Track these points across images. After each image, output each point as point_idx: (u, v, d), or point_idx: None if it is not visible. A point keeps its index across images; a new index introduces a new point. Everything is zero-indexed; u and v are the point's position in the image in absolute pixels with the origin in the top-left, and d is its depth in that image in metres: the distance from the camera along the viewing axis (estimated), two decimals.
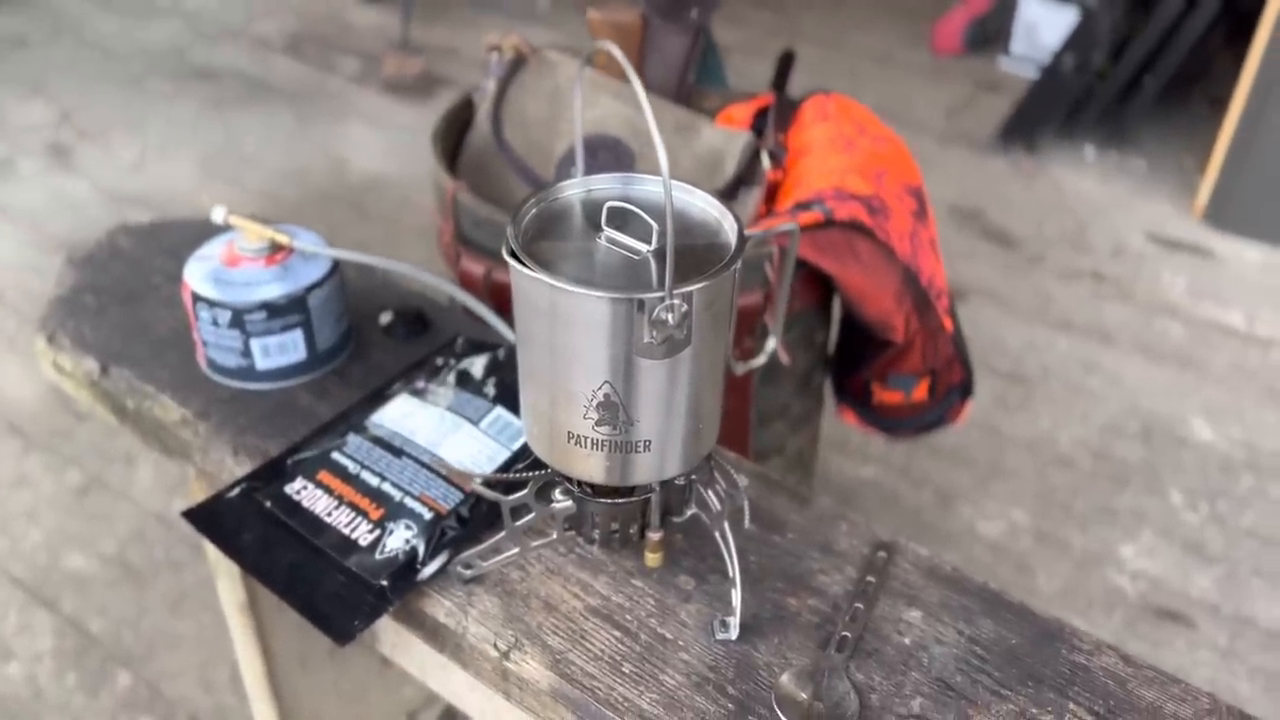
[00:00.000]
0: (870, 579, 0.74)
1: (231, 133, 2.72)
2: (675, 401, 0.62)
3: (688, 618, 0.71)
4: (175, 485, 1.72)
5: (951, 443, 1.67)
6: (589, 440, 0.63)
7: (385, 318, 0.96)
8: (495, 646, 0.69)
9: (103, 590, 1.53)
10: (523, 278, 0.60)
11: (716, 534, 0.72)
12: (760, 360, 0.73)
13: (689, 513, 0.73)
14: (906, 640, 0.70)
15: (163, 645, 1.46)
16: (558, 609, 0.71)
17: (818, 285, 1.03)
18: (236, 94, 2.89)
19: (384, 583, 0.71)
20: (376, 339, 0.95)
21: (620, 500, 0.69)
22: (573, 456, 0.64)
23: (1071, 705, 0.66)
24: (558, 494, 0.69)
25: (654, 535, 0.71)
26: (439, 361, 0.90)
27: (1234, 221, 2.30)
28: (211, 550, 0.93)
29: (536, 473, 0.68)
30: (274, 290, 0.85)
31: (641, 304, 0.57)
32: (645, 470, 0.65)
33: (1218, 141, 2.29)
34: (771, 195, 1.07)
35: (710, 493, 0.71)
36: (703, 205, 0.65)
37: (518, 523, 0.69)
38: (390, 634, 1.07)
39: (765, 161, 1.07)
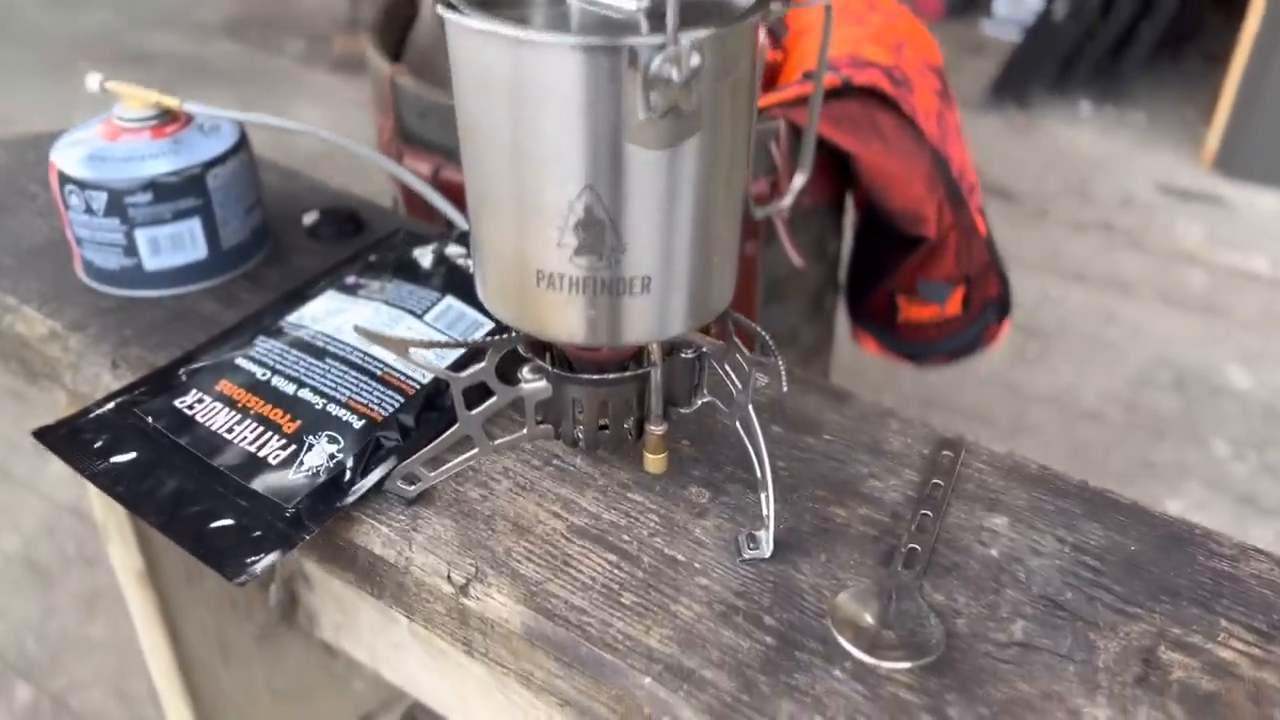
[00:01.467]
0: (937, 482, 0.57)
1: None
2: (680, 218, 0.45)
3: (704, 535, 0.54)
4: None
5: (968, 399, 1.51)
6: (566, 280, 0.46)
7: (310, 217, 0.78)
8: (449, 579, 0.51)
9: (3, 592, 1.33)
10: (469, 37, 0.43)
11: (737, 424, 0.55)
12: (786, 201, 0.56)
13: (699, 402, 0.56)
14: (993, 552, 0.53)
15: (71, 653, 1.26)
16: (531, 531, 0.53)
17: (832, 174, 0.86)
18: (174, 77, 2.70)
19: (298, 508, 0.54)
20: (299, 242, 0.77)
21: (611, 378, 0.52)
22: (545, 307, 0.47)
23: (1223, 622, 0.50)
24: (526, 372, 0.52)
25: (655, 429, 0.54)
26: (373, 258, 0.72)
27: (1246, 168, 2.16)
28: (98, 505, 0.75)
29: (496, 338, 0.50)
30: (162, 165, 0.68)
31: (635, 55, 0.40)
32: (642, 323, 0.48)
33: (1224, 89, 2.17)
34: (771, 79, 0.91)
35: (727, 369, 0.54)
36: None
37: (474, 410, 0.52)
38: (332, 612, 0.89)
39: (762, 38, 0.90)
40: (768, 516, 0.52)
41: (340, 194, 0.84)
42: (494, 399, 0.51)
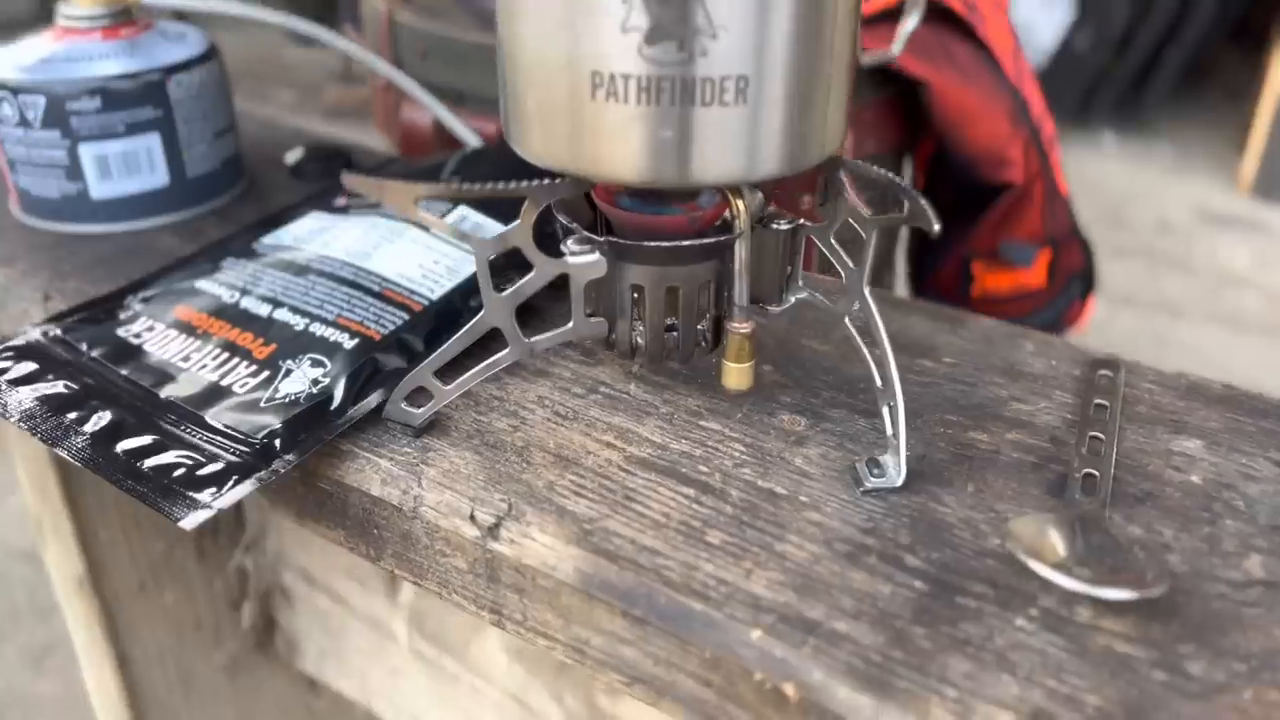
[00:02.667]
0: (1100, 402, 0.44)
1: None
2: None
3: (806, 465, 0.40)
4: None
5: None
6: (633, 84, 0.34)
7: (293, 155, 0.66)
8: (472, 519, 0.38)
9: None
10: None
11: (846, 320, 0.42)
12: (896, 48, 0.44)
13: (794, 299, 0.43)
14: (1194, 478, 0.40)
15: (17, 711, 1.09)
16: (578, 463, 0.40)
17: (897, 113, 0.75)
18: None
19: (269, 438, 0.40)
20: (280, 181, 0.65)
21: (686, 245, 0.39)
22: (601, 130, 0.35)
23: None
24: (572, 243, 0.39)
25: (740, 326, 0.41)
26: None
27: None
28: (31, 495, 0.61)
29: (537, 182, 0.37)
30: (112, 66, 0.56)
31: None
32: (730, 151, 0.35)
33: (1258, 116, 2.08)
34: None
35: (834, 244, 0.42)
36: None
37: (505, 291, 0.39)
38: (316, 635, 0.74)
39: None
40: (897, 435, 0.39)
41: (322, 137, 0.72)
42: (531, 275, 0.38)
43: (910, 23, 0.45)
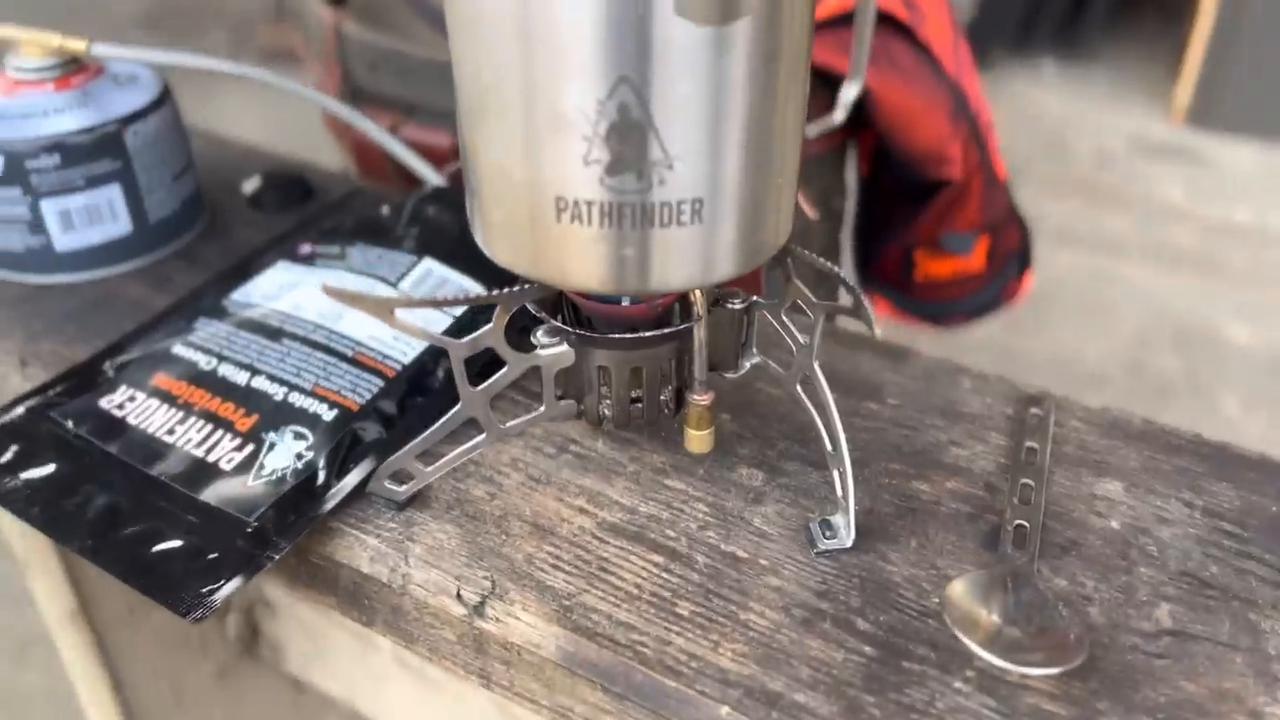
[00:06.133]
0: (1031, 445, 0.48)
1: None
2: (736, 122, 0.35)
3: (765, 525, 0.44)
4: None
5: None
6: (595, 209, 0.36)
7: (251, 184, 0.67)
8: (459, 598, 0.41)
9: None
10: None
11: (797, 387, 0.45)
12: (839, 117, 0.47)
13: (748, 364, 0.46)
14: (1114, 524, 0.44)
15: (3, 705, 1.12)
16: (554, 533, 0.43)
17: None
18: None
19: (261, 521, 0.43)
20: (240, 213, 0.66)
21: (648, 336, 0.42)
22: (566, 247, 0.37)
23: None
24: (542, 336, 0.42)
25: (700, 398, 0.44)
26: (328, 223, 0.61)
27: (1219, 121, 2.12)
28: (15, 538, 0.63)
29: (504, 290, 0.40)
30: (68, 121, 0.56)
31: None
32: (688, 262, 0.38)
33: (1193, 43, 2.12)
34: None
35: (786, 320, 0.45)
36: None
37: (481, 386, 0.41)
38: (300, 641, 0.78)
39: None
40: (846, 498, 0.43)
41: (283, 159, 0.72)
42: (504, 370, 0.41)
43: (852, 91, 0.47)
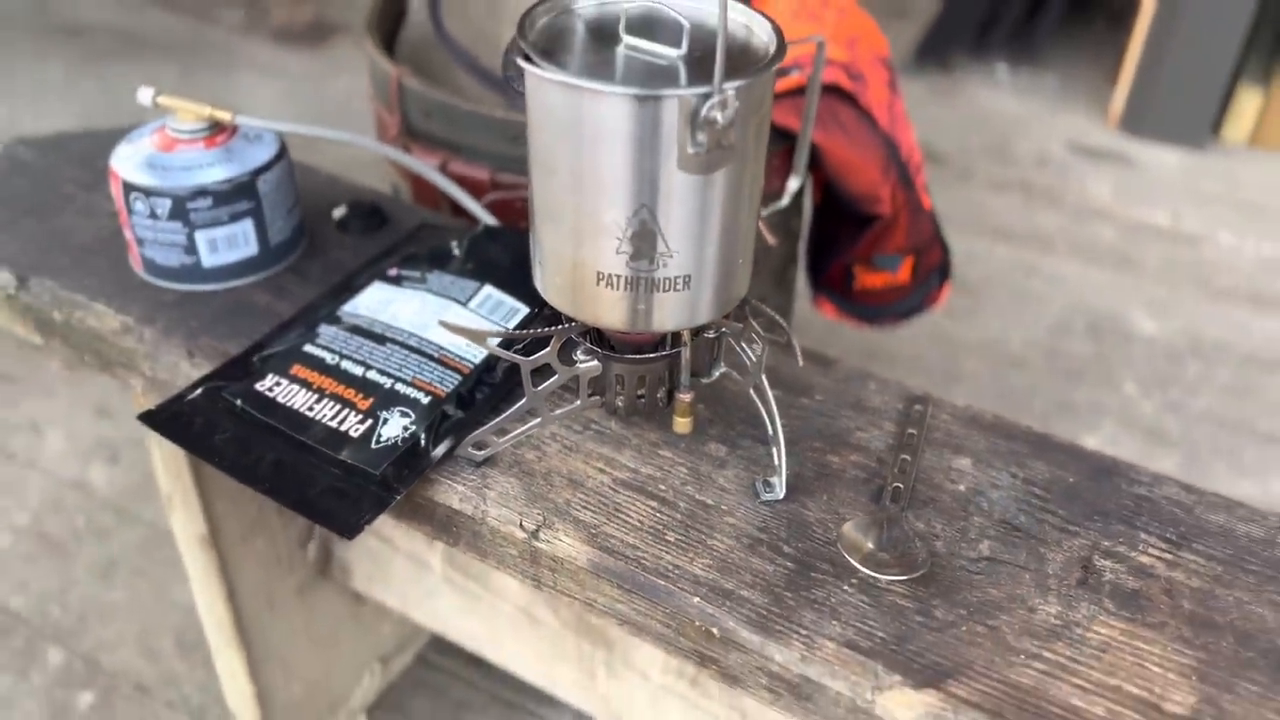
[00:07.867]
0: (911, 431, 0.69)
1: (110, 87, 2.53)
2: (714, 229, 0.56)
3: (726, 483, 0.65)
4: (90, 450, 1.57)
5: (907, 352, 1.64)
6: (621, 280, 0.56)
7: (339, 211, 0.87)
8: (521, 526, 0.62)
9: (20, 565, 1.40)
10: (546, 88, 0.52)
11: (751, 390, 0.66)
12: (784, 201, 0.67)
13: (717, 373, 0.67)
14: (961, 487, 0.65)
15: (95, 617, 1.33)
16: (584, 485, 0.64)
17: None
18: (109, 49, 2.68)
19: (385, 473, 0.63)
20: (330, 235, 0.86)
21: (651, 356, 0.62)
22: (600, 302, 0.57)
23: (1143, 535, 0.63)
24: (580, 355, 0.62)
25: (684, 396, 0.64)
26: (408, 250, 0.81)
27: (1148, 128, 2.33)
28: (165, 479, 0.83)
29: (558, 326, 0.60)
30: (218, 173, 0.76)
31: (687, 103, 0.50)
32: (678, 313, 0.58)
33: (1128, 53, 2.32)
34: None
35: (743, 345, 0.65)
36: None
37: (539, 387, 0.62)
38: (365, 564, 0.99)
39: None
40: (780, 465, 0.63)
41: (357, 188, 0.92)
42: (555, 377, 0.61)
43: (794, 183, 0.67)
